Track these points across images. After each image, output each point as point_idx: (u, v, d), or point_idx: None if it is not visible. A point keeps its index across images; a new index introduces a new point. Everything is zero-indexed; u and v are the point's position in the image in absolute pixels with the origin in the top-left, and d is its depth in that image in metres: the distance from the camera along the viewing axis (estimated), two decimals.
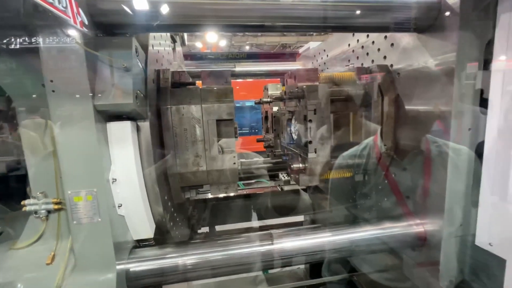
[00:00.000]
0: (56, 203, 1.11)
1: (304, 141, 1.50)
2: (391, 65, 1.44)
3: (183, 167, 1.42)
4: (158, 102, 1.34)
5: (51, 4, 0.83)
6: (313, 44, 2.67)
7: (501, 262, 1.03)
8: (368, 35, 1.62)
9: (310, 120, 1.42)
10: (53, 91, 0.95)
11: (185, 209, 1.95)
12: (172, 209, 1.52)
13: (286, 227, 1.54)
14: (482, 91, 1.08)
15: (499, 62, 1.00)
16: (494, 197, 1.06)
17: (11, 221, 1.51)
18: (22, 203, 1.10)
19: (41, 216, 1.11)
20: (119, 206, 1.14)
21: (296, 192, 2.55)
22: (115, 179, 1.11)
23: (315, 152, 1.46)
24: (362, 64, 1.70)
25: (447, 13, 1.09)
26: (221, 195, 2.30)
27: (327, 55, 2.24)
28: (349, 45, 1.85)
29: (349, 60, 1.84)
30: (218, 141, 1.43)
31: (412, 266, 1.41)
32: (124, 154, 1.12)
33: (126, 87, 1.03)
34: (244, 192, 2.53)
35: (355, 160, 1.60)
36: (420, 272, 1.36)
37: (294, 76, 1.58)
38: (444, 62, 1.11)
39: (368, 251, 1.41)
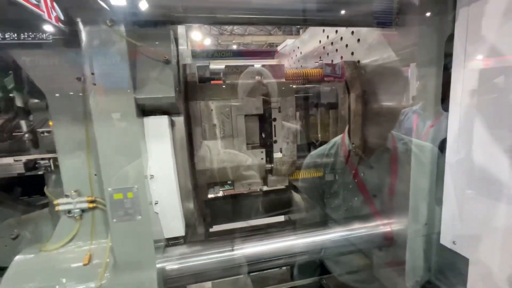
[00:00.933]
0: (91, 202, 1.07)
1: (269, 141, 1.45)
2: (358, 61, 1.43)
3: (211, 163, 1.40)
4: (187, 97, 1.32)
5: None
6: (290, 41, 2.67)
7: (466, 261, 1.00)
8: (336, 31, 1.61)
9: (275, 119, 1.39)
10: (94, 84, 0.92)
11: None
12: (198, 207, 1.50)
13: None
14: (444, 87, 1.05)
15: (459, 57, 0.97)
16: (456, 195, 1.03)
17: (27, 223, 1.44)
18: (55, 202, 1.05)
19: (75, 215, 1.06)
20: (155, 203, 1.12)
21: (280, 191, 2.46)
22: (153, 175, 1.09)
23: (281, 152, 1.43)
24: (332, 60, 1.69)
25: (407, 8, 1.08)
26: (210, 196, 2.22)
27: (301, 52, 2.24)
28: (320, 41, 1.85)
29: (320, 57, 1.84)
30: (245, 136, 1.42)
31: (381, 267, 1.41)
32: (162, 149, 1.09)
33: (167, 80, 1.00)
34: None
35: (323, 159, 1.56)
36: (388, 273, 1.36)
37: (260, 73, 1.49)
38: (406, 57, 1.10)
39: (336, 253, 1.37)
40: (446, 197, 1.06)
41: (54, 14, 0.87)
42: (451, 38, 0.99)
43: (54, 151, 1.33)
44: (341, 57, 1.58)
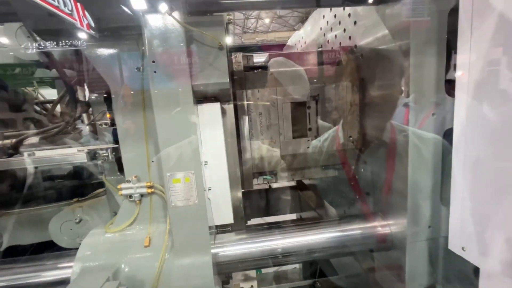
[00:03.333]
0: (149, 187, 1.12)
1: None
2: (355, 46, 1.30)
3: (258, 152, 1.40)
4: (233, 86, 1.33)
5: (57, 8, 0.84)
6: (297, 33, 2.49)
7: (477, 269, 0.87)
8: (335, 15, 1.49)
9: (309, 107, 1.36)
10: (155, 71, 0.95)
11: None
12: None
13: None
14: (447, 70, 0.93)
15: (464, 33, 0.82)
16: (466, 193, 0.88)
17: (88, 208, 1.56)
18: (118, 187, 1.12)
19: (135, 199, 1.12)
20: (209, 189, 1.14)
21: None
22: (206, 162, 1.10)
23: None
24: (332, 47, 1.55)
25: None
26: None
27: (305, 42, 2.10)
28: (320, 28, 1.71)
29: (321, 46, 1.70)
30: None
31: (378, 270, 1.28)
32: (214, 136, 1.11)
33: (222, 66, 1.01)
34: None
35: (316, 153, 1.44)
36: (386, 277, 1.23)
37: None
38: (401, 37, 0.97)
39: (328, 255, 1.27)
40: (454, 196, 0.92)
41: (86, 22, 0.93)
42: (454, 11, 0.85)
43: (111, 142, 1.43)
44: (340, 43, 1.46)
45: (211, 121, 1.09)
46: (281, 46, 3.26)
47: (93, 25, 0.95)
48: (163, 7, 0.92)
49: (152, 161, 1.13)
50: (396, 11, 1.01)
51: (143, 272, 1.04)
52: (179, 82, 0.97)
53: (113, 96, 1.09)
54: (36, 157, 1.41)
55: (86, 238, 1.13)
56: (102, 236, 1.13)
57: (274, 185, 2.54)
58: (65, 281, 1.08)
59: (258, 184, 1.65)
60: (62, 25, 0.97)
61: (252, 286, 1.36)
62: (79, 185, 1.85)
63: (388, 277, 1.23)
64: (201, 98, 1.10)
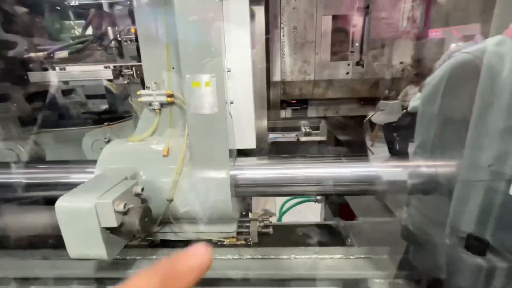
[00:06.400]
0: (169, 96, 1.05)
1: None
2: None
3: (287, 75, 1.24)
4: None
5: None
6: None
7: None
8: None
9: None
10: None
11: None
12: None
13: None
14: None
15: None
16: None
17: (116, 130, 1.60)
18: (138, 93, 1.07)
19: (155, 108, 1.07)
20: (231, 103, 1.04)
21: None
22: (230, 69, 0.99)
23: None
24: None
25: None
26: None
27: None
28: None
29: None
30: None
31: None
32: (240, 40, 0.97)
33: None
34: None
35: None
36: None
37: None
38: None
39: (354, 191, 1.16)
40: None
41: None
42: None
43: (136, 59, 1.37)
44: None
45: (236, 21, 0.95)
46: None
47: None
48: None
49: (173, 68, 1.04)
50: None
51: (160, 180, 1.02)
52: None
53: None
54: (67, 72, 1.44)
55: (107, 145, 1.13)
56: (123, 145, 1.12)
57: (302, 139, 2.41)
58: None
59: (285, 117, 1.51)
60: None
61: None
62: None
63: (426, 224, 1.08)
64: None
